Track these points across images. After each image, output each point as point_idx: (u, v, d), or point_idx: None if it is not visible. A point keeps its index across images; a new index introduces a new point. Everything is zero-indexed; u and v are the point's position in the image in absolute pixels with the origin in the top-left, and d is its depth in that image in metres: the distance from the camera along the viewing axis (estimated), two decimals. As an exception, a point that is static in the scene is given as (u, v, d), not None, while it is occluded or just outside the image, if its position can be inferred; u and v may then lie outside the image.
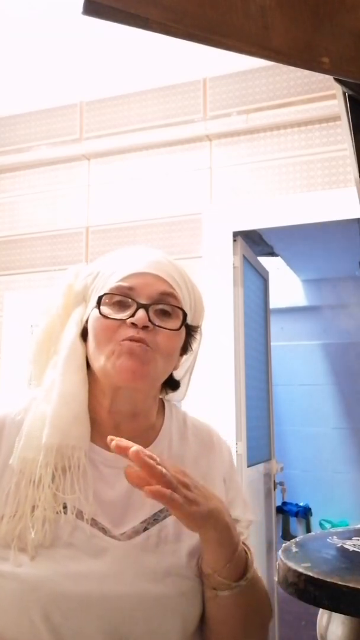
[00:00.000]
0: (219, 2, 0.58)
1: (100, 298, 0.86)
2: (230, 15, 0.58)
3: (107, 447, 0.86)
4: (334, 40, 0.62)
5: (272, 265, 4.44)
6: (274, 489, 3.02)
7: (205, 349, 1.10)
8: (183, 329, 0.90)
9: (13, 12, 2.37)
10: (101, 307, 0.86)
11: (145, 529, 0.85)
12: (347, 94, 0.77)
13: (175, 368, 0.94)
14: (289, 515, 4.80)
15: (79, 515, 0.82)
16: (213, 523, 0.79)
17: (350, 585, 0.75)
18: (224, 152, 2.65)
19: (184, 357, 0.96)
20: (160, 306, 0.87)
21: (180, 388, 1.01)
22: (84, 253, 2.83)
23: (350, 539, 0.99)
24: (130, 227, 2.76)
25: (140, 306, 0.85)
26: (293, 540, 1.00)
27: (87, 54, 2.65)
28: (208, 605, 0.85)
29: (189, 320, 0.92)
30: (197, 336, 0.97)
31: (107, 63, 2.72)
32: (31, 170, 2.99)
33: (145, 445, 0.88)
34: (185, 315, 0.90)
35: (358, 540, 0.97)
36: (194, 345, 0.97)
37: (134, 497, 0.83)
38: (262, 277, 3.13)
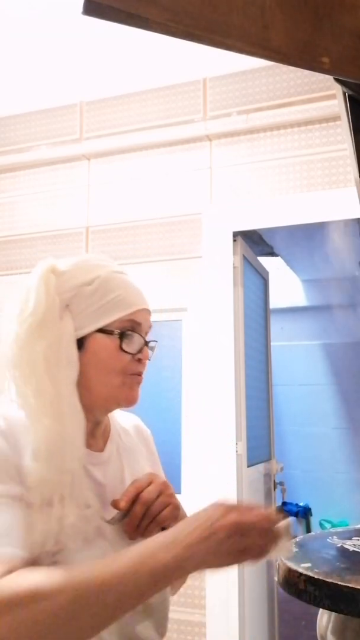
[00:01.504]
0: (219, 2, 0.58)
1: (122, 333, 0.94)
2: (230, 15, 0.58)
3: (88, 448, 0.97)
4: (334, 40, 0.62)
5: (272, 265, 4.44)
6: (274, 489, 3.02)
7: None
8: None
9: (13, 12, 2.37)
10: (124, 342, 0.94)
11: (127, 513, 0.93)
12: (347, 94, 0.77)
13: None
14: (289, 515, 4.79)
15: (92, 511, 0.89)
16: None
17: (350, 585, 0.75)
18: (224, 152, 2.65)
19: None
20: (151, 343, 0.99)
21: None
22: (84, 253, 2.83)
23: (350, 539, 0.99)
24: (130, 227, 2.76)
25: (145, 343, 0.98)
26: (293, 540, 1.00)
27: (87, 54, 2.64)
28: None
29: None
30: None
31: (107, 63, 2.72)
32: (31, 170, 2.99)
33: (105, 441, 1.02)
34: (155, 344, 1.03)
35: (358, 540, 0.97)
36: None
37: (112, 486, 0.94)
38: (262, 277, 3.13)
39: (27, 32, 2.49)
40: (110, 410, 1.00)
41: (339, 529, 1.08)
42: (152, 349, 1.00)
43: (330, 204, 2.44)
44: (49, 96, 2.96)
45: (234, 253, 2.58)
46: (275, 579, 0.82)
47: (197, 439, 2.45)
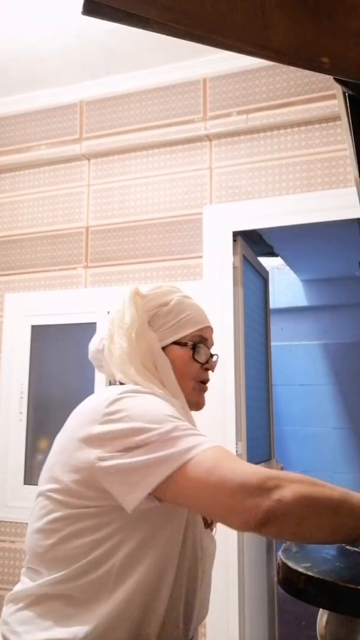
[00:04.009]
0: (219, 2, 0.58)
1: (194, 345, 1.15)
2: (230, 15, 0.58)
3: None
4: (334, 40, 0.62)
5: (272, 265, 4.44)
6: (274, 489, 3.01)
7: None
8: None
9: (13, 13, 2.37)
10: (196, 352, 1.15)
11: None
12: (347, 94, 0.77)
13: None
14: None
15: None
16: None
17: (350, 585, 0.75)
18: (224, 152, 2.65)
19: None
20: (215, 356, 1.20)
21: None
22: (84, 253, 2.83)
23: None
24: (130, 227, 2.76)
25: (211, 355, 1.18)
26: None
27: (87, 54, 2.64)
28: None
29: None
30: None
31: (107, 63, 2.72)
32: (31, 170, 2.99)
33: None
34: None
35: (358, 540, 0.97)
36: None
37: None
38: (262, 277, 3.13)
39: (27, 31, 2.49)
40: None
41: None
42: (215, 361, 1.20)
43: (330, 204, 2.44)
44: (49, 96, 2.96)
45: (234, 253, 2.58)
46: (275, 579, 0.83)
47: (197, 439, 2.45)
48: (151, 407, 0.98)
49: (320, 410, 4.98)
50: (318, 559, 0.88)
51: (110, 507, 0.96)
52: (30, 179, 2.99)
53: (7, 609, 1.02)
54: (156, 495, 0.92)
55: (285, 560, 0.87)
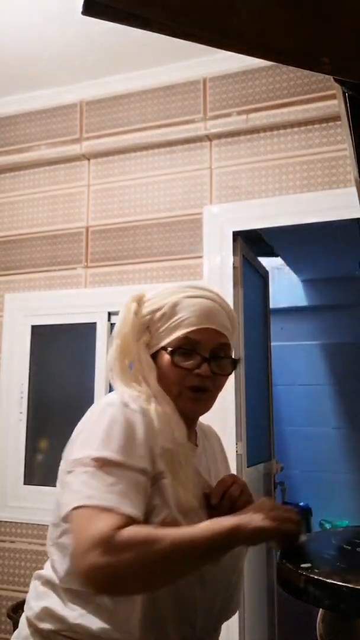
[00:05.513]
0: (218, 2, 0.58)
1: (173, 350, 1.08)
2: (230, 15, 0.58)
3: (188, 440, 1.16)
4: (334, 40, 0.62)
5: (272, 265, 4.44)
6: (274, 489, 3.02)
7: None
8: None
9: (13, 13, 2.37)
10: (174, 357, 1.08)
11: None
12: (347, 94, 0.77)
13: None
14: (291, 515, 4.77)
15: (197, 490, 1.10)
16: None
17: (350, 585, 0.75)
18: (224, 152, 2.65)
19: None
20: (219, 361, 1.10)
21: None
22: (84, 253, 2.83)
23: (350, 539, 0.99)
24: (130, 227, 2.76)
25: (204, 360, 1.07)
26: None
27: (87, 54, 2.64)
28: None
29: (234, 356, 1.15)
30: None
31: (107, 63, 2.72)
32: (31, 170, 2.99)
33: (197, 439, 1.18)
34: (236, 360, 1.14)
35: (358, 540, 0.97)
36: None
37: (205, 477, 1.13)
38: (262, 277, 3.13)
39: (27, 31, 2.49)
40: (185, 416, 1.09)
41: (339, 530, 1.08)
42: (220, 366, 1.10)
43: (330, 204, 2.44)
44: (49, 96, 2.96)
45: (234, 253, 2.58)
46: (275, 578, 0.83)
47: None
48: (106, 433, 0.98)
49: (320, 410, 4.98)
50: (318, 560, 0.88)
51: None
52: (30, 179, 2.99)
53: (32, 585, 1.11)
54: None
55: (285, 561, 0.87)
